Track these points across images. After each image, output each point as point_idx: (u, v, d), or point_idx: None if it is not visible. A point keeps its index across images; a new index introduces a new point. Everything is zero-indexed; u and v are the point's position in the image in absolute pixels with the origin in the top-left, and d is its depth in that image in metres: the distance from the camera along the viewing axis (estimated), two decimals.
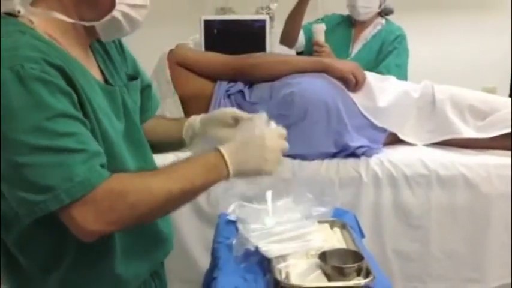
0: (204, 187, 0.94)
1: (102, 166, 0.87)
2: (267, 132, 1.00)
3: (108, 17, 0.95)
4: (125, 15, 0.96)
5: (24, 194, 0.82)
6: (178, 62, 1.83)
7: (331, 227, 1.27)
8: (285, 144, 1.02)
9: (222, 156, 0.94)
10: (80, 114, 0.88)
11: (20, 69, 0.82)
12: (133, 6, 0.97)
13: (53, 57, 0.86)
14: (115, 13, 0.95)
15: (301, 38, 2.38)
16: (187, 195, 0.93)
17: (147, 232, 1.03)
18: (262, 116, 1.06)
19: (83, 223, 0.84)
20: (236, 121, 1.12)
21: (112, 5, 0.95)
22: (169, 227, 1.12)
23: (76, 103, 0.88)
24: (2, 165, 0.83)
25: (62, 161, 0.82)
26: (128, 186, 0.88)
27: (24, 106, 0.81)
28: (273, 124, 1.06)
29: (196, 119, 1.18)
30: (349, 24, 2.44)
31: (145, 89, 1.17)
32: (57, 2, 0.94)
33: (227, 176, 0.94)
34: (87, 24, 0.96)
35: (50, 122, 0.82)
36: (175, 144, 1.21)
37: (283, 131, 1.03)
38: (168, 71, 1.82)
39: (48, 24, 0.93)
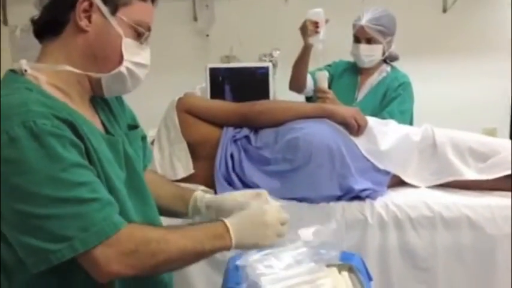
0: (211, 253, 1.00)
1: (116, 213, 0.91)
2: (267, 209, 1.06)
3: (115, 71, 1.01)
4: (130, 71, 1.03)
5: (40, 243, 0.85)
6: (186, 110, 1.88)
7: (339, 271, 1.28)
8: (285, 218, 1.07)
9: (227, 228, 1.00)
10: (87, 163, 0.92)
11: (32, 125, 0.86)
12: (137, 64, 1.03)
13: (60, 111, 0.91)
14: (122, 68, 1.01)
15: (310, 83, 2.45)
16: (196, 256, 0.99)
17: (148, 280, 1.05)
18: (263, 194, 1.17)
19: (105, 264, 0.88)
20: (245, 205, 1.16)
21: (120, 62, 1.01)
22: (170, 274, 1.14)
23: (84, 154, 0.93)
24: (13, 215, 0.86)
25: (78, 212, 0.86)
26: (149, 235, 0.93)
27: (38, 159, 0.85)
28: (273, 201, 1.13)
29: (202, 201, 1.22)
30: (355, 70, 2.50)
31: (142, 139, 1.22)
32: (65, 58, 0.99)
33: (230, 247, 1.01)
34: (95, 76, 1.01)
35: (65, 173, 0.87)
36: (177, 214, 1.26)
37: (281, 205, 1.10)
38: (176, 119, 1.87)
39: (55, 78, 0.98)
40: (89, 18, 0.98)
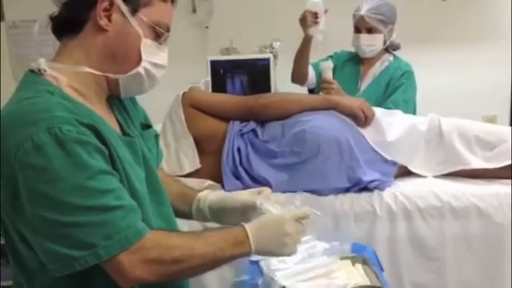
0: (230, 259, 0.99)
1: (139, 220, 0.91)
2: (286, 218, 1.04)
3: (133, 72, 1.00)
4: (148, 72, 1.01)
5: (65, 249, 0.85)
6: (191, 104, 1.87)
7: (353, 263, 1.29)
8: (303, 228, 1.06)
9: (246, 234, 0.99)
10: (111, 169, 0.92)
11: (58, 132, 0.85)
12: (155, 65, 1.02)
13: (83, 116, 0.90)
14: (140, 69, 1.00)
15: (312, 75, 2.44)
16: (217, 262, 0.98)
17: (167, 284, 1.04)
18: (265, 190, 1.17)
19: (128, 270, 0.88)
20: (247, 207, 1.15)
21: (138, 62, 1.00)
22: (187, 279, 1.14)
23: (107, 159, 0.92)
24: (38, 221, 0.85)
25: (103, 220, 0.86)
26: (173, 242, 0.93)
27: (65, 167, 0.84)
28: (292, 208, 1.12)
29: (205, 202, 1.21)
30: (357, 61, 2.49)
31: (154, 138, 1.20)
32: (83, 58, 0.97)
33: (249, 253, 1.00)
34: (113, 77, 0.99)
35: (91, 180, 0.86)
36: (182, 215, 1.25)
37: (301, 214, 1.07)
38: (182, 113, 1.86)
39: (73, 79, 0.96)
40: (109, 18, 0.96)
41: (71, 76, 0.96)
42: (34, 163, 0.84)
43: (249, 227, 1.00)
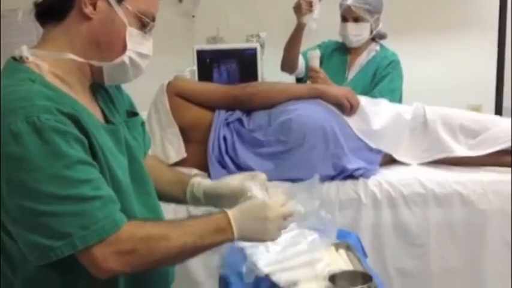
0: (211, 246, 0.99)
1: (118, 211, 0.91)
2: (270, 204, 1.04)
3: (117, 61, 0.99)
4: (132, 61, 1.00)
5: (41, 239, 0.85)
6: (177, 93, 1.87)
7: (336, 249, 1.30)
8: (287, 211, 1.06)
9: (229, 221, 0.99)
10: (91, 159, 0.91)
11: (36, 120, 0.84)
12: (140, 54, 1.01)
13: (64, 105, 0.89)
14: (124, 58, 0.99)
15: (301, 64, 2.44)
16: (196, 251, 0.98)
17: (151, 271, 1.04)
18: (259, 175, 1.16)
19: (103, 262, 0.88)
20: (239, 192, 1.15)
21: (123, 51, 0.99)
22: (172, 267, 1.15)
23: (87, 148, 0.91)
24: (16, 211, 0.85)
25: (80, 210, 0.86)
26: (149, 233, 0.93)
27: (42, 156, 0.84)
28: (277, 190, 1.12)
29: (199, 188, 1.20)
30: (344, 50, 2.50)
31: (141, 126, 1.20)
32: (67, 45, 0.96)
33: (232, 240, 1.00)
34: (97, 64, 0.99)
35: (68, 170, 0.85)
36: (176, 200, 1.26)
37: (284, 199, 1.08)
38: (167, 102, 1.85)
39: (56, 66, 0.95)
40: (94, 6, 0.95)
41: (53, 63, 0.95)
42: (12, 152, 0.84)
43: (231, 212, 1.00)
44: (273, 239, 1.05)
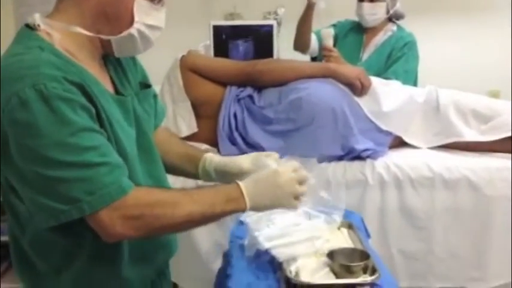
0: (222, 215, 1.00)
1: (125, 176, 0.93)
2: (280, 170, 1.05)
3: (125, 33, 1.00)
4: (141, 33, 1.01)
5: (50, 202, 0.88)
6: (190, 68, 1.88)
7: (339, 228, 1.32)
8: (302, 176, 1.06)
9: (241, 191, 1.00)
10: (97, 127, 0.93)
11: (43, 88, 0.86)
12: (150, 26, 1.01)
13: (71, 74, 0.91)
14: (132, 30, 0.99)
15: (314, 43, 2.42)
16: (205, 219, 1.00)
17: (153, 237, 1.07)
18: (274, 154, 1.16)
19: (110, 226, 0.90)
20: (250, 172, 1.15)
21: (131, 23, 0.99)
22: (174, 237, 1.17)
23: (94, 117, 0.93)
24: (26, 173, 0.88)
25: (86, 176, 0.88)
26: (156, 199, 0.95)
27: (48, 124, 0.86)
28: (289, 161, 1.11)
29: (211, 164, 1.21)
30: (360, 30, 2.47)
31: (153, 98, 1.21)
32: (77, 16, 0.97)
33: (244, 210, 1.01)
34: (105, 38, 0.99)
35: (74, 137, 0.87)
36: (187, 174, 1.27)
37: (296, 165, 1.07)
38: (180, 77, 1.87)
39: (66, 36, 0.97)
40: None
41: (64, 33, 0.97)
42: (20, 118, 0.86)
43: (243, 183, 1.02)
44: (288, 206, 1.05)
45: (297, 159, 1.11)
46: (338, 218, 1.30)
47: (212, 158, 1.23)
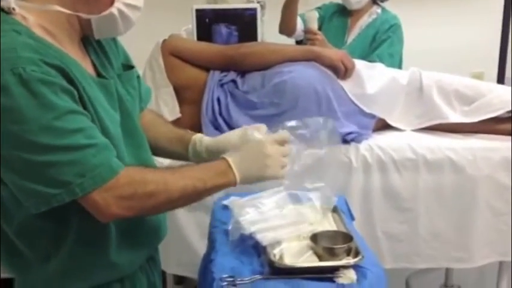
0: (214, 190, 1.02)
1: (114, 157, 0.92)
2: (266, 140, 1.07)
3: (106, 13, 0.98)
4: (121, 13, 0.99)
5: (40, 187, 0.87)
6: (171, 52, 1.85)
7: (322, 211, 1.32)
8: (285, 149, 1.08)
9: (229, 164, 1.01)
10: (81, 109, 0.92)
11: (22, 72, 0.84)
12: (129, 5, 1.00)
13: (50, 57, 0.89)
14: (113, 9, 0.98)
15: (300, 27, 2.41)
16: (198, 195, 1.00)
17: (141, 220, 1.08)
18: (262, 127, 1.17)
19: (105, 207, 0.90)
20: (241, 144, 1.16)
21: (111, 3, 0.98)
22: (162, 215, 1.17)
23: (77, 99, 0.91)
24: (13, 160, 0.86)
25: (75, 158, 0.87)
26: (148, 177, 0.95)
27: (31, 108, 0.84)
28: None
29: (202, 144, 1.22)
30: (345, 13, 2.46)
31: (137, 79, 1.20)
32: None
33: (235, 182, 1.02)
34: (84, 17, 0.97)
35: (59, 121, 0.86)
36: (179, 157, 1.27)
37: (283, 136, 1.09)
38: (161, 61, 1.84)
39: (43, 18, 0.94)
40: None
41: (41, 16, 0.94)
42: (1, 103, 0.84)
43: (230, 157, 1.03)
44: (274, 176, 1.07)
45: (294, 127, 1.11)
46: (331, 202, 1.30)
47: (202, 138, 1.23)
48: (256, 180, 1.07)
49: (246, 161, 1.04)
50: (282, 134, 1.11)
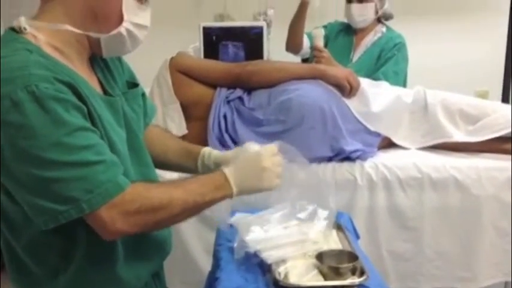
0: (212, 203, 1.03)
1: (120, 174, 0.93)
2: (262, 153, 1.08)
3: (114, 32, 1.00)
4: (129, 32, 1.01)
5: (48, 203, 0.87)
6: (179, 70, 1.88)
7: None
8: (279, 160, 1.10)
9: (226, 177, 1.03)
10: (91, 125, 0.93)
11: (35, 89, 0.85)
12: (137, 25, 1.02)
13: (61, 74, 0.91)
14: (121, 29, 1.00)
15: (306, 44, 2.44)
16: (197, 208, 1.02)
17: (147, 236, 1.08)
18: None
19: (111, 224, 0.91)
20: None
21: (120, 22, 1.00)
22: (168, 230, 1.18)
23: (87, 116, 0.93)
24: (22, 176, 0.87)
25: (83, 175, 0.88)
26: (152, 192, 0.96)
27: (43, 124, 0.86)
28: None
29: (210, 158, 1.23)
30: (350, 31, 2.48)
31: (142, 96, 1.21)
32: (64, 15, 0.97)
33: (232, 195, 1.04)
34: (94, 36, 1.00)
35: (69, 137, 0.87)
36: (187, 171, 1.27)
37: (275, 148, 1.11)
38: (169, 78, 1.86)
39: (54, 37, 0.96)
40: None
41: (51, 35, 0.96)
42: (13, 120, 0.85)
43: (227, 169, 1.04)
44: (269, 188, 1.08)
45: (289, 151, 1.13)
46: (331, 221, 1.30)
47: (211, 151, 1.25)
48: (253, 192, 1.09)
49: (243, 174, 1.05)
50: (273, 146, 1.13)
